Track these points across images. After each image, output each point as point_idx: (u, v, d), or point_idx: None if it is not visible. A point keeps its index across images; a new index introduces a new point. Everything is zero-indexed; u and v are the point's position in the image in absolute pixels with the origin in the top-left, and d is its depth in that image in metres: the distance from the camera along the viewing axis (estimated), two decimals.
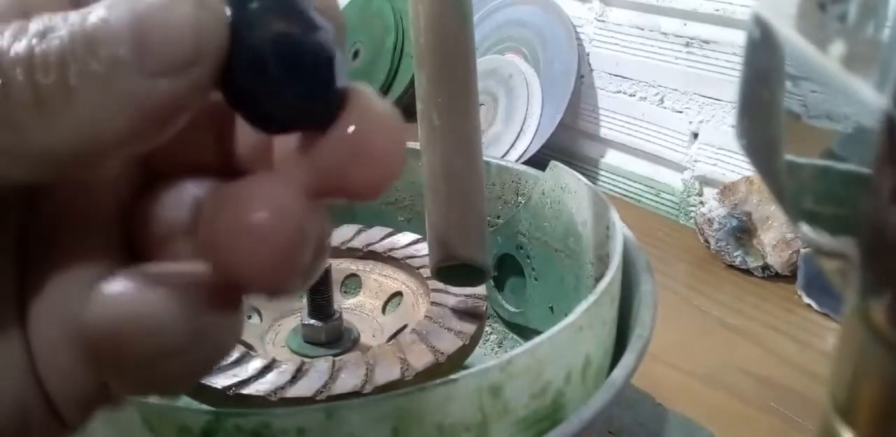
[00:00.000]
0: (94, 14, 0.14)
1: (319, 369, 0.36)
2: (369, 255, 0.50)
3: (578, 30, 0.84)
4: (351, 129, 0.15)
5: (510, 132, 0.83)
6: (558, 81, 0.82)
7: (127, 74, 0.14)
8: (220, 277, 0.15)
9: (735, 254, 0.65)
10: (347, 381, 0.36)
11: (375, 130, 0.15)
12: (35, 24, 0.14)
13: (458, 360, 0.40)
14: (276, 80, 0.14)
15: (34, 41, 0.13)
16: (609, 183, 0.86)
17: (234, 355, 0.38)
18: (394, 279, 0.49)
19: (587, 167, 0.87)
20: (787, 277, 0.64)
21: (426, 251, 0.41)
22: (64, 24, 0.14)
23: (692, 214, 0.75)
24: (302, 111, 0.15)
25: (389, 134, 0.15)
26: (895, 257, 0.12)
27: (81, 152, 0.14)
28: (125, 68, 0.14)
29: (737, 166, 0.72)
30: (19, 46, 0.13)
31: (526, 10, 0.88)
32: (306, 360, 0.38)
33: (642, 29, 0.78)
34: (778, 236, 0.63)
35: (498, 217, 0.52)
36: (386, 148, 0.15)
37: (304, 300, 0.43)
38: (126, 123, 0.14)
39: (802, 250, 0.62)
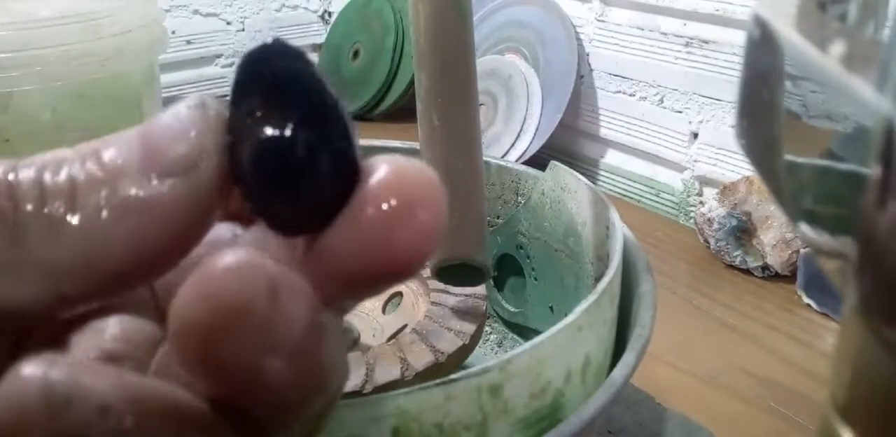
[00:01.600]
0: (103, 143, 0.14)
1: None
2: None
3: (578, 30, 0.84)
4: (386, 205, 0.13)
5: (510, 132, 0.83)
6: (558, 81, 0.82)
7: (131, 176, 0.13)
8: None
9: (735, 254, 0.65)
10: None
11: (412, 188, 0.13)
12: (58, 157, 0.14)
13: (457, 360, 0.40)
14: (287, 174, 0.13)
15: (46, 172, 0.14)
16: (609, 183, 0.86)
17: None
18: None
19: (587, 167, 0.87)
20: (786, 277, 0.64)
21: None
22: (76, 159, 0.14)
23: (692, 215, 0.75)
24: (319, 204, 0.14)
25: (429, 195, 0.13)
26: (891, 258, 0.12)
27: (88, 266, 0.13)
28: (130, 171, 0.13)
29: (736, 166, 0.72)
30: (28, 172, 0.13)
31: (526, 10, 0.88)
32: None
33: (642, 29, 0.78)
34: (778, 236, 0.63)
35: (498, 217, 0.52)
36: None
37: None
38: (132, 230, 0.13)
39: (802, 250, 0.62)
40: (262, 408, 0.13)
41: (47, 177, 0.13)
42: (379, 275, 0.13)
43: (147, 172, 0.13)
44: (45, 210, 0.13)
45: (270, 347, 0.12)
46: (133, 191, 0.13)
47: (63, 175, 0.13)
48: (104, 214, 0.13)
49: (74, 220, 0.13)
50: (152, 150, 0.14)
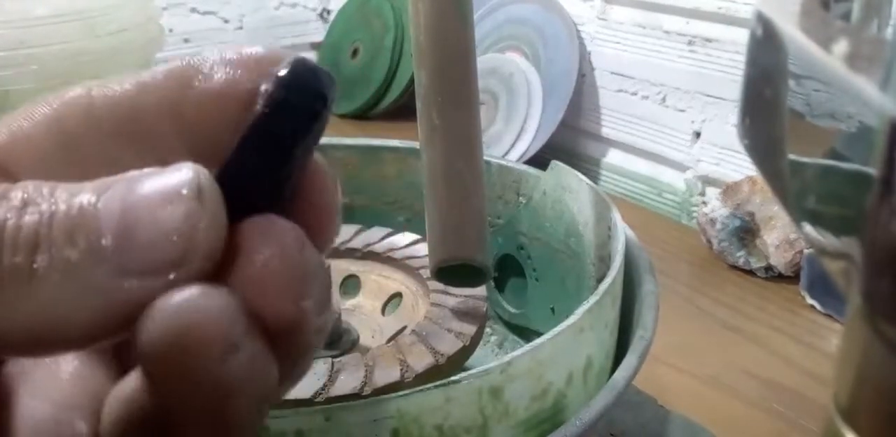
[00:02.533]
0: (83, 196, 0.13)
1: (318, 370, 0.36)
2: (368, 255, 0.49)
3: (580, 28, 0.84)
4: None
5: (511, 131, 0.83)
6: (559, 79, 0.82)
7: (101, 267, 0.12)
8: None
9: (738, 254, 0.64)
10: (346, 383, 0.36)
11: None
12: (17, 193, 0.13)
13: (458, 361, 0.39)
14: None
15: (9, 214, 0.12)
16: (611, 183, 0.86)
17: None
18: (393, 280, 0.49)
19: (589, 167, 0.87)
20: (790, 278, 0.63)
21: (426, 252, 0.41)
22: (47, 198, 0.13)
23: (694, 215, 0.74)
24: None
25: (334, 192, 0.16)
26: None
27: (34, 339, 0.13)
28: (101, 261, 0.12)
29: (739, 166, 0.71)
30: None
31: (527, 8, 0.88)
32: None
33: (644, 27, 0.78)
34: (781, 236, 0.62)
35: (498, 217, 0.52)
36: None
37: None
38: (89, 317, 0.13)
39: (806, 251, 0.61)
40: (294, 355, 0.14)
41: (12, 225, 0.12)
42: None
43: (119, 268, 0.13)
44: (6, 263, 0.12)
45: (306, 291, 0.14)
46: (102, 280, 0.13)
47: (30, 228, 0.12)
48: (61, 295, 0.12)
49: (28, 290, 0.12)
50: (130, 245, 0.13)
